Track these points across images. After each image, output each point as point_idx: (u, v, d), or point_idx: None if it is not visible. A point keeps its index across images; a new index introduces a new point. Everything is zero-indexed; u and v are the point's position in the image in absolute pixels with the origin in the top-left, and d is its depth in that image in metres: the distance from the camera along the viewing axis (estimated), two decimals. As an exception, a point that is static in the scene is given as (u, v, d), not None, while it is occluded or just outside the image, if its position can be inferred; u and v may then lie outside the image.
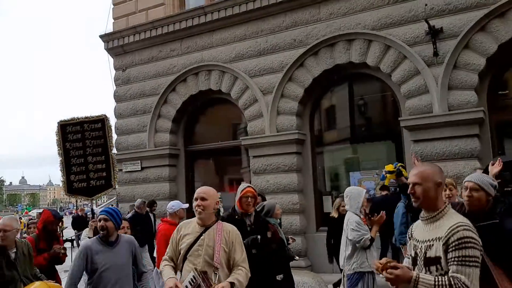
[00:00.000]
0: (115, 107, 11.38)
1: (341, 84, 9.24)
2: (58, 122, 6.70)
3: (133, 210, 8.99)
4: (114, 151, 7.18)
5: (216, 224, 3.16)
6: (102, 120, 6.65)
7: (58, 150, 6.64)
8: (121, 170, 10.72)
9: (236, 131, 10.71)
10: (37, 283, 4.07)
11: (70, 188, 6.60)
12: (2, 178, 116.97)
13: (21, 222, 26.76)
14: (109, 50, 11.45)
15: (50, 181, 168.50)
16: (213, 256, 3.00)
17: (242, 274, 3.03)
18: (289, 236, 5.89)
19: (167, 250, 3.29)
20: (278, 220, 5.74)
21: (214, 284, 2.89)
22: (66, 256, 5.31)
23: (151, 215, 9.37)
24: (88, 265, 3.77)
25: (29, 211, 54.95)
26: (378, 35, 8.15)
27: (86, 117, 6.71)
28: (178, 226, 3.38)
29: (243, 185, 4.33)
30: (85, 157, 6.56)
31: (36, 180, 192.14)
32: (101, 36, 11.44)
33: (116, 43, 11.23)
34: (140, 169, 10.79)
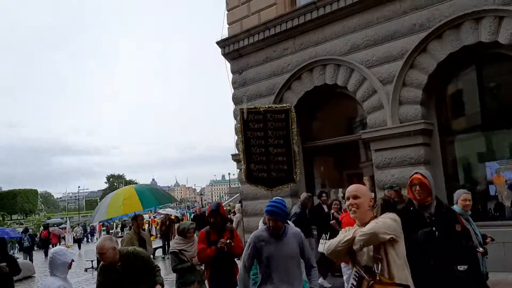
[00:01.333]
0: (233, 110, 11.79)
1: (469, 67, 8.46)
2: (240, 109, 6.63)
3: (299, 204, 8.64)
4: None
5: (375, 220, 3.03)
6: (286, 111, 6.38)
7: (239, 137, 6.57)
8: (241, 169, 11.06)
9: (352, 125, 10.42)
10: None
11: (250, 176, 6.51)
12: (135, 181, 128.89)
13: (153, 220, 28.80)
14: (225, 55, 11.89)
15: (176, 182, 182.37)
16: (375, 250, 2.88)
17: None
18: (487, 235, 5.27)
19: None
20: (469, 212, 5.10)
21: (378, 275, 2.81)
22: (231, 247, 5.26)
23: (324, 206, 9.01)
24: (258, 254, 3.95)
25: (160, 209, 59.75)
26: (510, 10, 7.30)
27: (269, 107, 6.50)
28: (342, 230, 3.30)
29: (412, 172, 3.99)
30: (266, 148, 6.39)
31: (164, 182, 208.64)
32: (217, 43, 11.93)
33: (232, 48, 11.62)
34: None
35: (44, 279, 15.38)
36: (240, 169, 11.10)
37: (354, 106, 9.71)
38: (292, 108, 6.49)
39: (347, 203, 3.08)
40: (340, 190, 10.54)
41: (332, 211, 8.57)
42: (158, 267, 4.89)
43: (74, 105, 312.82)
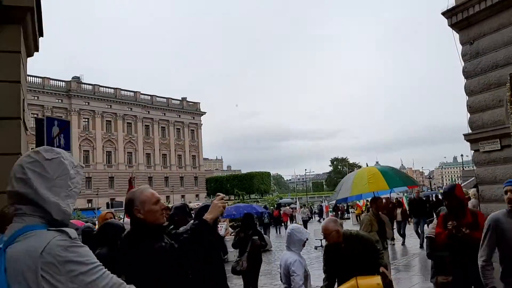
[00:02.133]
0: (465, 84, 10.75)
1: None
2: (510, 74, 6.24)
3: None
4: None
5: None
6: None
7: (509, 108, 6.12)
8: (477, 150, 10.07)
9: None
10: (353, 279, 4.41)
11: None
12: (359, 164, 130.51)
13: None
14: (452, 25, 10.91)
15: (402, 164, 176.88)
16: None
17: None
18: None
19: None
20: None
21: None
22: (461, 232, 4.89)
23: None
24: (498, 238, 3.78)
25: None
26: None
27: None
28: None
29: None
30: None
31: (388, 163, 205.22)
32: (443, 13, 11.04)
33: (460, 17, 10.58)
34: (499, 148, 9.80)
35: (279, 253, 17.01)
36: (477, 150, 10.12)
37: None
38: None
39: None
40: None
41: None
42: (381, 251, 5.13)
43: (302, 94, 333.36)
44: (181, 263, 2.84)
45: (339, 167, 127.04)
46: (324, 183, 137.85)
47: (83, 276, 1.70)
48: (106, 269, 1.83)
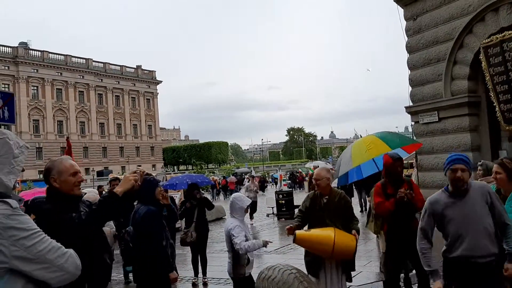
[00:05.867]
0: (407, 59, 11.23)
1: None
2: (481, 45, 6.22)
3: None
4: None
5: None
6: None
7: (487, 77, 6.13)
8: (417, 122, 10.65)
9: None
10: (331, 228, 4.69)
11: (505, 118, 6.06)
12: (314, 134, 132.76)
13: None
14: (398, 1, 11.27)
15: (355, 134, 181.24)
16: None
17: None
18: None
19: None
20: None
21: None
22: (411, 197, 5.07)
23: None
24: (440, 219, 3.75)
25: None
26: None
27: (503, 35, 5.87)
28: None
29: None
30: (509, 83, 5.81)
31: (343, 134, 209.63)
32: (389, -11, 11.35)
33: (405, -8, 10.94)
34: (437, 120, 10.41)
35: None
36: (417, 121, 10.70)
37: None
38: None
39: None
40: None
41: None
42: (357, 218, 5.36)
43: (259, 65, 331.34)
44: (85, 233, 2.98)
45: (295, 136, 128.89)
46: (280, 152, 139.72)
47: (23, 241, 1.94)
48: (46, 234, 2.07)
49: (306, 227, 5.13)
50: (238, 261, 4.91)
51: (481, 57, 5.80)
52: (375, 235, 7.21)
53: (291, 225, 4.96)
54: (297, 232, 4.80)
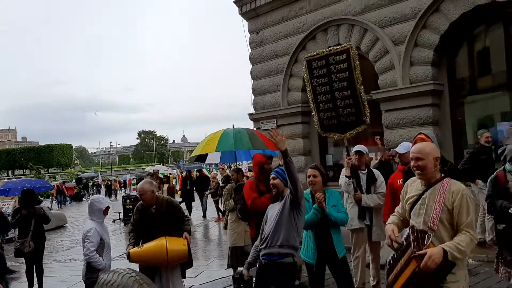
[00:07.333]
0: (251, 70, 11.99)
1: (481, 27, 8.37)
2: (304, 58, 6.51)
3: None
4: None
5: (441, 182, 2.85)
6: (346, 51, 6.03)
7: (308, 87, 6.45)
8: (259, 128, 11.43)
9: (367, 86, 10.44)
10: (162, 237, 4.88)
11: (323, 125, 6.38)
12: (166, 137, 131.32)
13: (181, 176, 29.52)
14: (243, 14, 11.99)
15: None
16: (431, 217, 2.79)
17: (463, 239, 2.68)
18: None
19: (399, 205, 3.20)
20: None
21: (425, 247, 2.68)
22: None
23: None
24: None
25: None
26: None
27: (330, 50, 6.24)
28: (406, 182, 3.19)
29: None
30: (332, 93, 6.16)
31: (195, 138, 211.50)
32: (235, 2, 12.00)
33: (249, 7, 11.70)
34: (276, 126, 11.32)
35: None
36: (259, 128, 11.46)
37: (370, 66, 9.73)
38: (352, 46, 6.20)
39: (411, 164, 2.93)
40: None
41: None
42: (188, 217, 5.53)
43: (115, 66, 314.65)
44: None
45: (146, 140, 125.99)
46: (130, 156, 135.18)
47: None
48: None
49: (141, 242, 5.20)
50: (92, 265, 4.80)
51: (304, 70, 6.55)
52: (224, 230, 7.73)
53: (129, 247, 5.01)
54: (131, 251, 4.90)
